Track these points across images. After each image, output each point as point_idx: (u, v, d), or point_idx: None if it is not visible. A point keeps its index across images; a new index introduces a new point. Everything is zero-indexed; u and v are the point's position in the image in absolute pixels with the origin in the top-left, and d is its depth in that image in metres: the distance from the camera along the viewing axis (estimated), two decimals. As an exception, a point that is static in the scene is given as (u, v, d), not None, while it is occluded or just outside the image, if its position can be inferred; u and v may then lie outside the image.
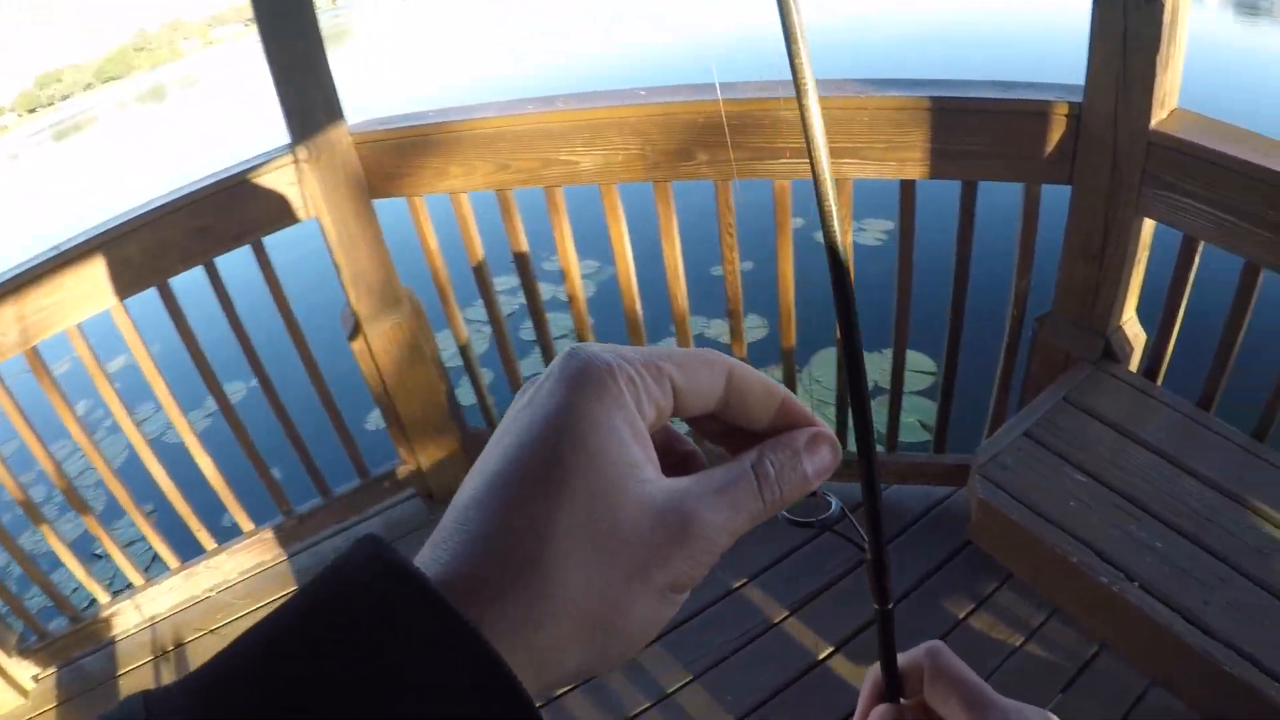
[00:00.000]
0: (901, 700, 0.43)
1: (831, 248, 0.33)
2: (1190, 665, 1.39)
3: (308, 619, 0.25)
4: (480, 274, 2.12)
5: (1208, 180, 1.55)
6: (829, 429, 0.35)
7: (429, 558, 0.28)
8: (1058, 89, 1.71)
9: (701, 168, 1.87)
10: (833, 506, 0.36)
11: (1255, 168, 1.50)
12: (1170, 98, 1.63)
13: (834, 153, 1.76)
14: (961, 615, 1.93)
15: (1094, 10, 1.54)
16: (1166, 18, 1.47)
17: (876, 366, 3.59)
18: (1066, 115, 1.66)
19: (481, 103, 2.02)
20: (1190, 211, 1.59)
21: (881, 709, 0.43)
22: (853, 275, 0.34)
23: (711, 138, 1.83)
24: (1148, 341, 1.89)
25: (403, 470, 2.40)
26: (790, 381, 2.19)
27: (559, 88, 2.11)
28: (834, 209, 0.32)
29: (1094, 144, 1.62)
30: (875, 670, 0.43)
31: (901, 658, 0.43)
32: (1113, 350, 1.83)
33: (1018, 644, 1.85)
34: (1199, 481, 1.61)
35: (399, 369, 2.19)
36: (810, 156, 0.32)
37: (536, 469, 0.29)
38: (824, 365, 4.32)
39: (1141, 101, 1.55)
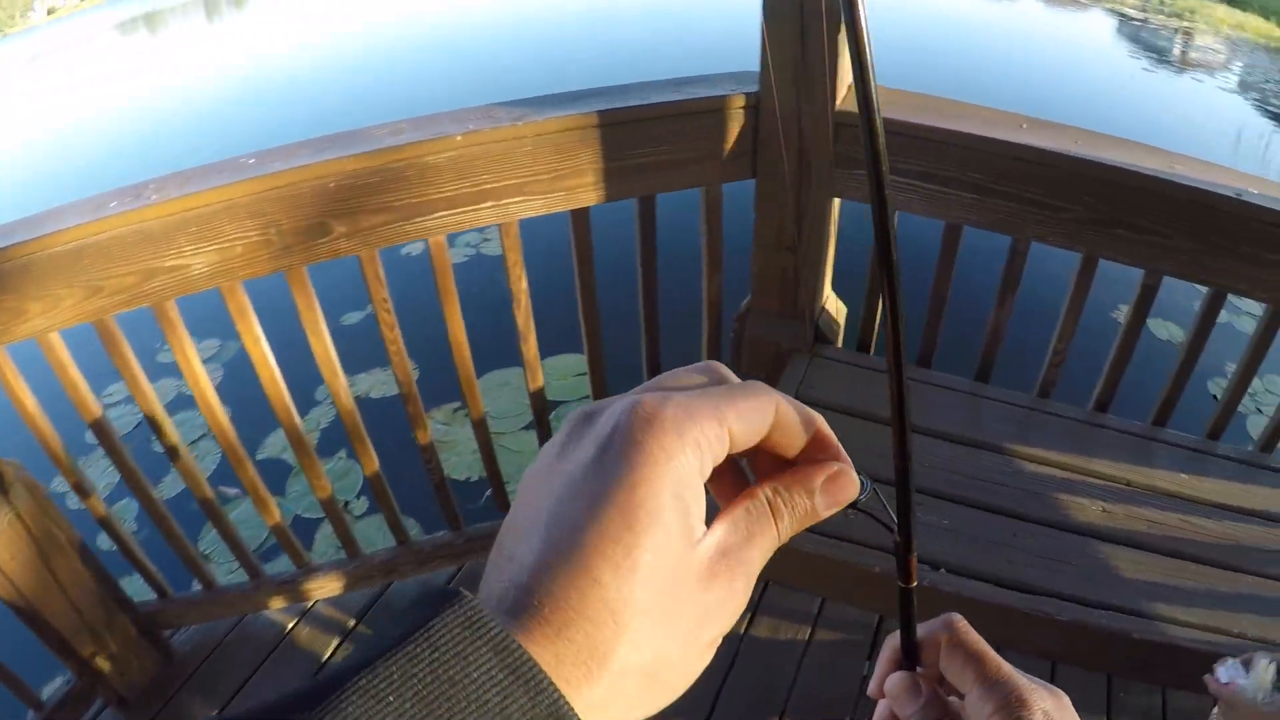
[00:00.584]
0: (919, 669, 0.43)
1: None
2: (1019, 624, 1.41)
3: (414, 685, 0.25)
4: (101, 431, 1.64)
5: (902, 152, 1.42)
6: (850, 466, 0.35)
7: (499, 618, 0.28)
8: (733, 80, 1.54)
9: (339, 243, 1.52)
10: (864, 486, 0.36)
11: (946, 133, 1.45)
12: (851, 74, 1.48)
13: (495, 193, 1.51)
14: (742, 630, 1.79)
15: None
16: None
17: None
18: (744, 108, 1.51)
19: (54, 208, 1.55)
20: (889, 188, 1.44)
21: (898, 676, 0.43)
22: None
23: (347, 203, 1.49)
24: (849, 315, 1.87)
25: (80, 688, 1.86)
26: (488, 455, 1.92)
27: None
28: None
29: (776, 133, 1.49)
30: (894, 639, 0.44)
31: (920, 628, 0.43)
32: (822, 333, 1.78)
33: (808, 636, 1.75)
34: (952, 444, 1.65)
35: (33, 574, 1.66)
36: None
37: (609, 547, 0.28)
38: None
39: (823, 82, 1.45)
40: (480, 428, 1.86)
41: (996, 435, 1.65)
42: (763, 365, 1.78)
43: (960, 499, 1.53)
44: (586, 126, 1.48)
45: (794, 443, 0.34)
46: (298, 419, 1.74)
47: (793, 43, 1.42)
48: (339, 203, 1.50)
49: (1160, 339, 3.83)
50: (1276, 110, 11.49)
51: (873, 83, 0.30)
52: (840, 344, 1.85)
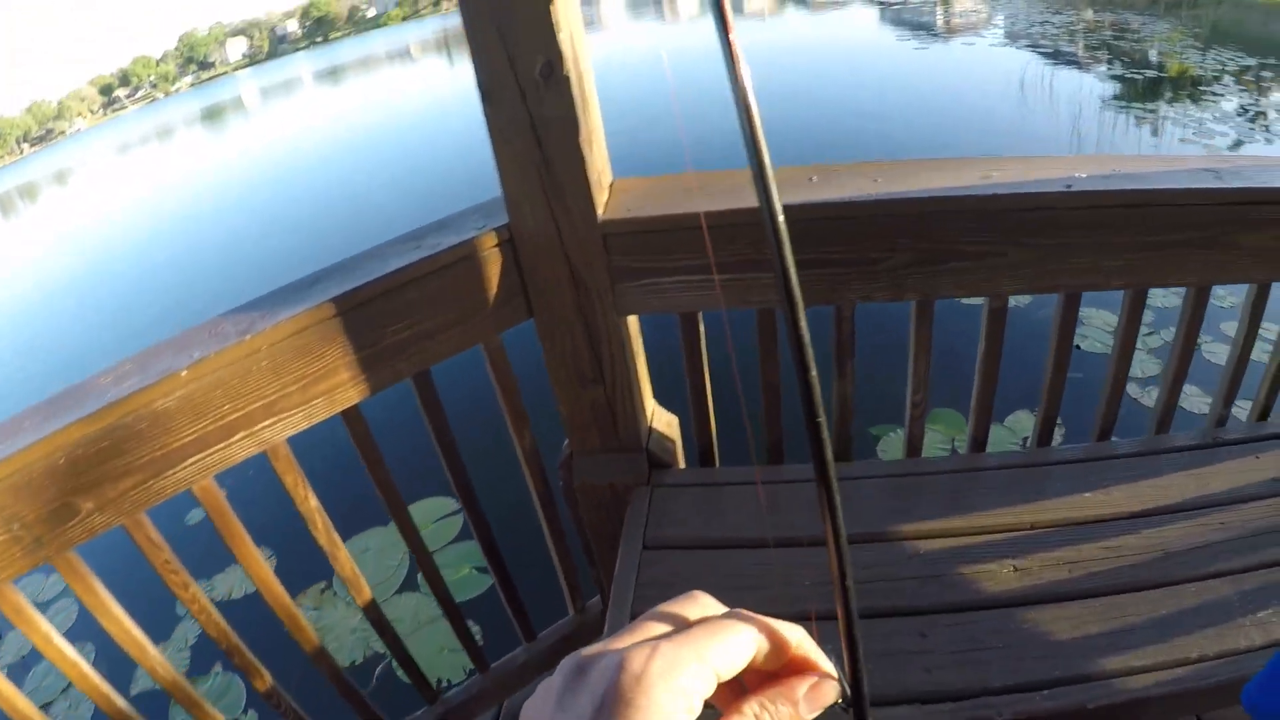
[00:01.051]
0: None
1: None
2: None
3: None
4: None
5: (669, 249, 1.26)
6: (834, 676, 0.38)
7: None
8: (480, 214, 1.37)
9: (94, 519, 1.29)
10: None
11: (719, 214, 1.26)
12: (605, 174, 1.34)
13: (243, 423, 1.31)
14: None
15: (486, 109, 1.24)
16: (576, 92, 1.22)
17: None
18: (498, 245, 1.32)
19: None
20: (671, 289, 1.31)
21: None
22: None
23: (87, 476, 1.26)
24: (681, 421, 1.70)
25: None
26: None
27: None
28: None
29: (542, 263, 1.31)
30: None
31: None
32: (657, 457, 1.58)
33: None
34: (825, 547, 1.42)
35: None
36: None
37: None
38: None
39: (578, 193, 1.29)
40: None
41: (873, 518, 1.46)
42: (600, 510, 1.58)
43: (860, 613, 1.33)
44: (324, 319, 1.28)
45: (778, 661, 0.37)
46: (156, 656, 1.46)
47: (531, 154, 1.25)
48: (77, 477, 1.26)
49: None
50: (1046, 49, 12.25)
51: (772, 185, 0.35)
52: (681, 461, 1.66)
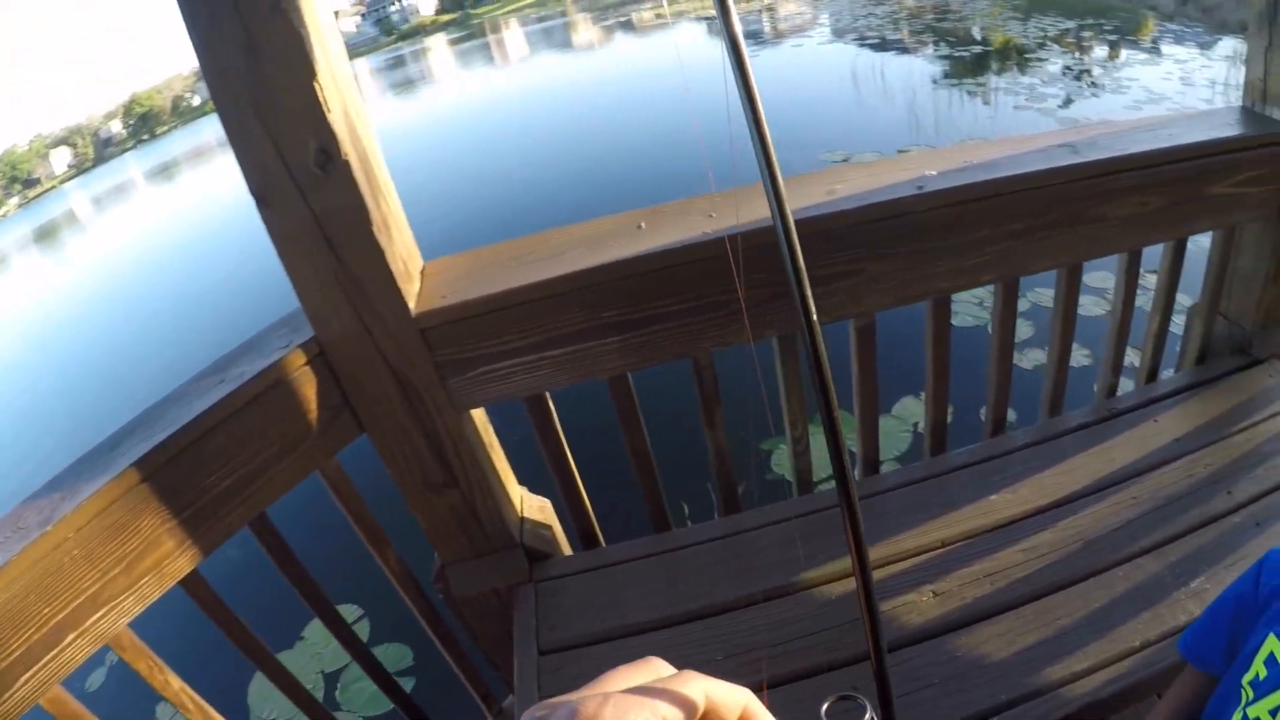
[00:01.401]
0: None
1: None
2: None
3: None
4: None
5: (496, 332, 1.15)
6: None
7: None
8: (285, 327, 1.25)
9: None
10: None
11: (533, 287, 1.14)
12: (413, 261, 1.22)
13: (70, 623, 1.12)
14: None
15: (263, 213, 1.09)
16: (360, 176, 1.08)
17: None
18: (308, 362, 1.18)
19: None
20: (508, 374, 1.19)
21: None
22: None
23: None
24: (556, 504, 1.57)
25: None
26: None
27: None
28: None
29: (360, 373, 1.21)
30: None
31: None
32: (536, 551, 1.45)
33: None
34: (743, 609, 1.33)
35: None
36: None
37: None
38: None
39: (382, 290, 1.16)
40: None
41: (777, 570, 1.36)
42: (487, 618, 1.44)
43: (784, 679, 1.21)
44: (131, 488, 1.11)
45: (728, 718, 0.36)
46: None
47: (321, 256, 1.11)
48: None
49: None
50: (873, 40, 12.88)
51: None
52: (564, 546, 1.53)
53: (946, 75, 10.11)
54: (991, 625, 1.21)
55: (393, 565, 1.38)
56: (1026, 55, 10.07)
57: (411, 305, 1.16)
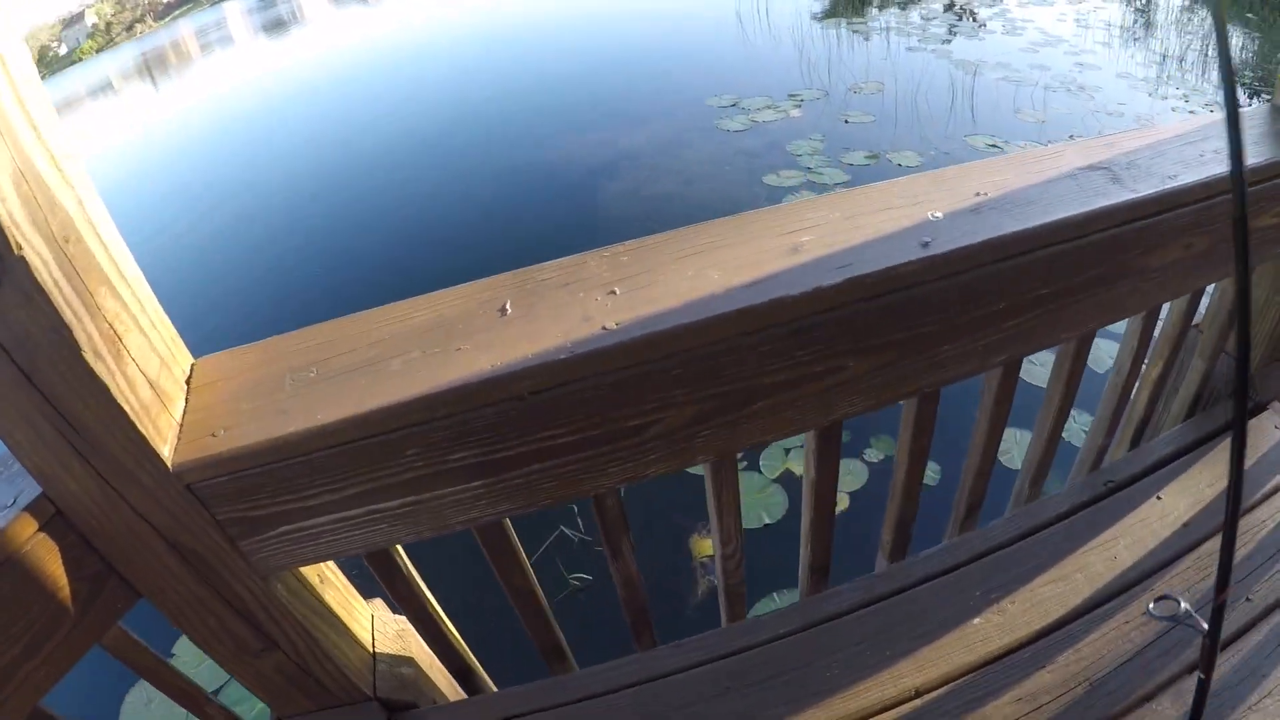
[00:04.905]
0: None
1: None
2: None
3: None
4: None
5: (296, 485, 0.82)
6: None
7: None
8: (3, 481, 0.85)
9: None
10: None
11: (343, 426, 0.82)
12: (169, 374, 0.87)
13: None
14: None
15: None
16: (50, 277, 0.71)
17: None
18: (42, 529, 0.82)
19: None
20: (328, 532, 0.86)
21: None
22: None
23: None
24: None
25: None
26: None
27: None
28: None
29: (119, 536, 0.84)
30: None
31: None
32: (395, 700, 1.13)
33: None
34: None
35: None
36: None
37: None
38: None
39: (122, 437, 0.78)
40: None
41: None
42: None
43: None
44: None
45: None
46: None
47: (21, 398, 0.72)
48: None
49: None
50: None
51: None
52: (437, 684, 1.20)
53: (827, 14, 9.94)
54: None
55: None
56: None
57: (166, 454, 0.78)
